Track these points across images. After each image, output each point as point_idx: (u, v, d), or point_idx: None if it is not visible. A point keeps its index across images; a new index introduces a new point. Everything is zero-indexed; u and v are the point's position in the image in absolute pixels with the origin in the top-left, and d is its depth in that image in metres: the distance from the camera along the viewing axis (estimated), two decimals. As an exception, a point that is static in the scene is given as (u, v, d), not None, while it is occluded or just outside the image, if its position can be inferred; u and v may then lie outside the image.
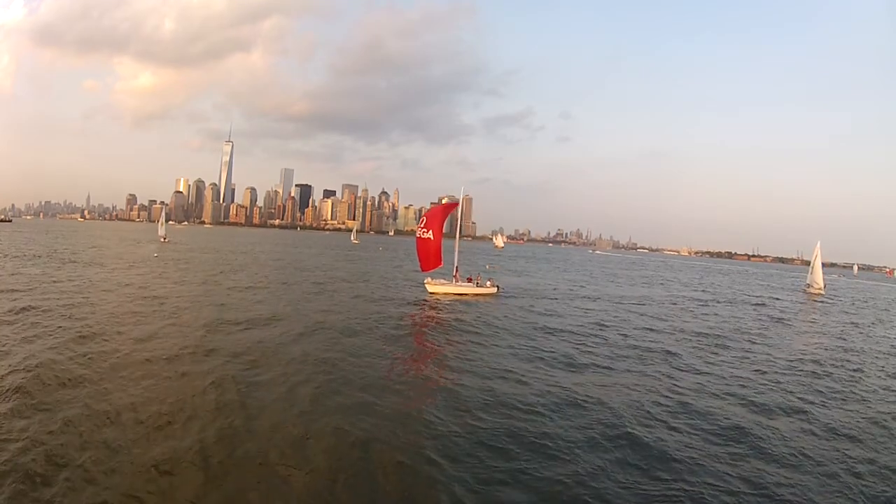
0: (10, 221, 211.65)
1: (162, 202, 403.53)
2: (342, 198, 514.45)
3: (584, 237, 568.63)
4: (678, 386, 15.63)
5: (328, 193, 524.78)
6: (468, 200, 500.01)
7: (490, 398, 13.27)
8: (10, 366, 13.62)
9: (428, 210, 37.30)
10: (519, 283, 47.59)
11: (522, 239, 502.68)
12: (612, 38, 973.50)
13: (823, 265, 61.84)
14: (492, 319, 25.43)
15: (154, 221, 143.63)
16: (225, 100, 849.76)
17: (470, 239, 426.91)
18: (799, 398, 15.27)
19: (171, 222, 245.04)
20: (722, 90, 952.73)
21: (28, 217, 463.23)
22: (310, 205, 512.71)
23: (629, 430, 11.64)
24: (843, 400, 15.54)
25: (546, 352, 19.16)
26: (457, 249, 36.21)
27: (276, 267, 52.28)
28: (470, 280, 35.79)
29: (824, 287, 61.96)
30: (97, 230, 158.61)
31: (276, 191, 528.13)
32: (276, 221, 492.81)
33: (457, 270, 35.63)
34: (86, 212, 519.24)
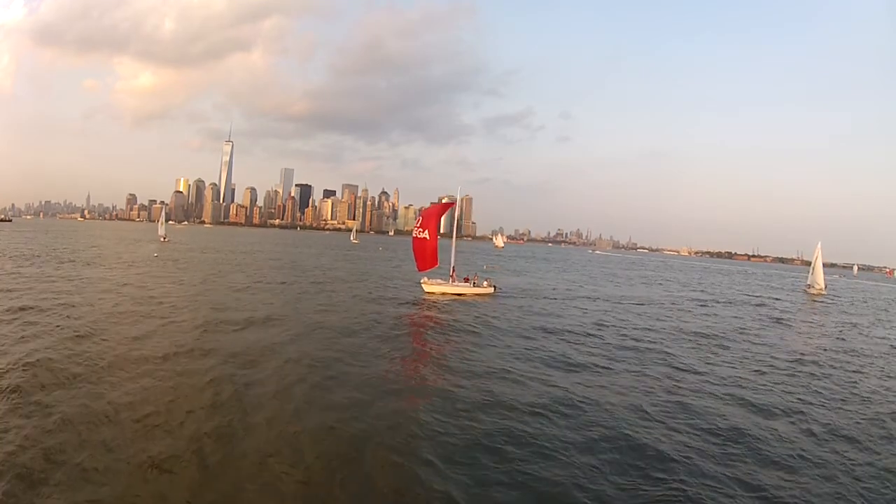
0: (10, 221, 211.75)
1: (162, 202, 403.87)
2: (342, 198, 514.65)
3: (584, 237, 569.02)
4: (677, 386, 15.60)
5: (328, 193, 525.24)
6: (468, 200, 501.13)
7: (486, 398, 13.24)
8: (7, 365, 13.60)
9: (424, 210, 37.25)
10: (518, 283, 47.57)
11: (522, 239, 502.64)
12: (612, 38, 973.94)
13: (823, 265, 61.77)
14: (489, 319, 25.40)
15: (154, 221, 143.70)
16: (225, 100, 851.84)
17: (470, 239, 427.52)
18: (798, 399, 15.24)
19: (171, 222, 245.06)
20: (722, 90, 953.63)
21: (28, 217, 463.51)
22: (310, 205, 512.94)
23: (627, 431, 11.61)
24: (842, 400, 15.50)
25: (543, 352, 19.13)
26: (454, 249, 36.13)
27: (276, 267, 52.27)
28: (467, 280, 35.76)
29: (825, 287, 61.92)
30: (97, 230, 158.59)
31: (276, 191, 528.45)
32: (276, 221, 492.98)
33: (453, 270, 35.59)
34: (86, 211, 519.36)
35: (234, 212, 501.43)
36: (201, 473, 8.78)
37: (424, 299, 31.79)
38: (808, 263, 65.83)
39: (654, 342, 22.56)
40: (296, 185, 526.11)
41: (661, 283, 63.58)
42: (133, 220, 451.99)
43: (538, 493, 8.79)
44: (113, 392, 12.13)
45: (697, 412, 13.26)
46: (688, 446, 11.01)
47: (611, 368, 17.41)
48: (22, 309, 21.15)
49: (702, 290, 56.76)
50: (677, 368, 18.02)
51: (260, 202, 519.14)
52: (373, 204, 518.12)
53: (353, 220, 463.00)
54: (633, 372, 17.13)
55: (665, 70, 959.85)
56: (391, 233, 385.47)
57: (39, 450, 9.14)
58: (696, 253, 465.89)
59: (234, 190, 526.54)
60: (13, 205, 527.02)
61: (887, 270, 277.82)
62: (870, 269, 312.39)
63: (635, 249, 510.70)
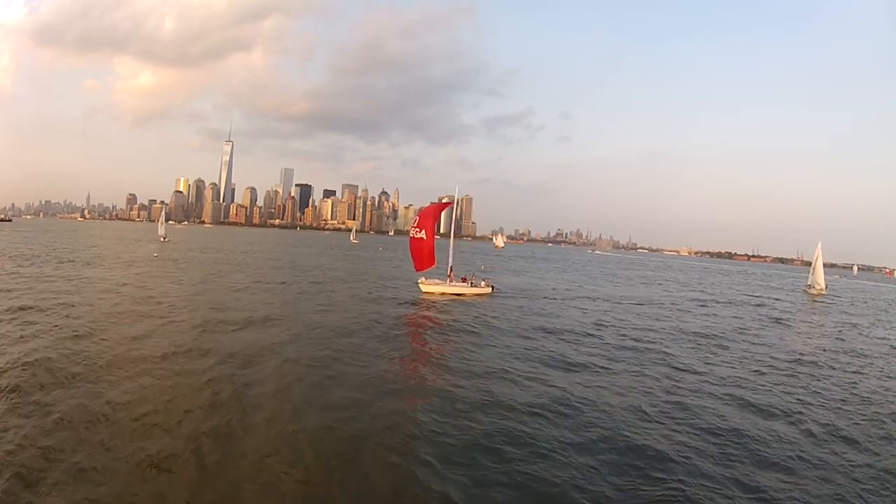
0: (10, 221, 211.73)
1: (162, 202, 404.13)
2: (342, 198, 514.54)
3: (584, 237, 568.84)
4: (676, 387, 15.58)
5: (328, 193, 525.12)
6: (468, 200, 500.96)
7: (484, 398, 13.23)
8: (6, 364, 13.60)
9: (421, 209, 37.21)
10: (517, 283, 47.56)
11: (522, 239, 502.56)
12: (612, 38, 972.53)
13: (823, 266, 61.74)
14: (488, 319, 25.39)
15: (154, 221, 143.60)
16: (225, 99, 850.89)
17: (470, 239, 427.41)
18: (798, 399, 15.22)
19: (171, 222, 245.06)
20: (722, 90, 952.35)
21: (28, 216, 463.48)
22: (310, 204, 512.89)
23: (626, 431, 11.59)
24: (842, 401, 15.48)
25: (542, 352, 19.12)
26: (451, 249, 36.06)
27: (275, 267, 52.27)
28: (464, 280, 35.75)
29: (826, 288, 61.86)
30: (97, 230, 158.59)
31: (276, 190, 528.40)
32: (276, 221, 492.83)
33: (451, 270, 35.57)
34: (86, 211, 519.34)
35: (234, 212, 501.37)
36: (200, 473, 8.77)
37: (423, 300, 31.78)
38: (808, 264, 65.78)
39: (654, 342, 22.55)
40: (296, 185, 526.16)
41: (660, 284, 63.56)
42: (133, 220, 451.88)
43: (537, 493, 8.77)
44: (111, 391, 12.13)
45: (697, 412, 13.25)
46: (687, 447, 11.00)
47: (610, 368, 17.40)
48: (21, 308, 21.15)
49: (701, 291, 56.74)
50: (677, 368, 18.00)
51: (260, 202, 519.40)
52: (373, 204, 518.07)
53: (353, 220, 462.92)
54: (633, 372, 17.11)
55: (665, 70, 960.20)
56: (391, 233, 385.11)
57: (38, 449, 9.14)
58: (696, 253, 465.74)
59: (234, 190, 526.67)
60: (13, 204, 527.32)
61: (887, 271, 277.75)
62: (870, 269, 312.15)
63: (635, 249, 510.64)
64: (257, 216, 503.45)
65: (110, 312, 21.70)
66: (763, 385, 16.57)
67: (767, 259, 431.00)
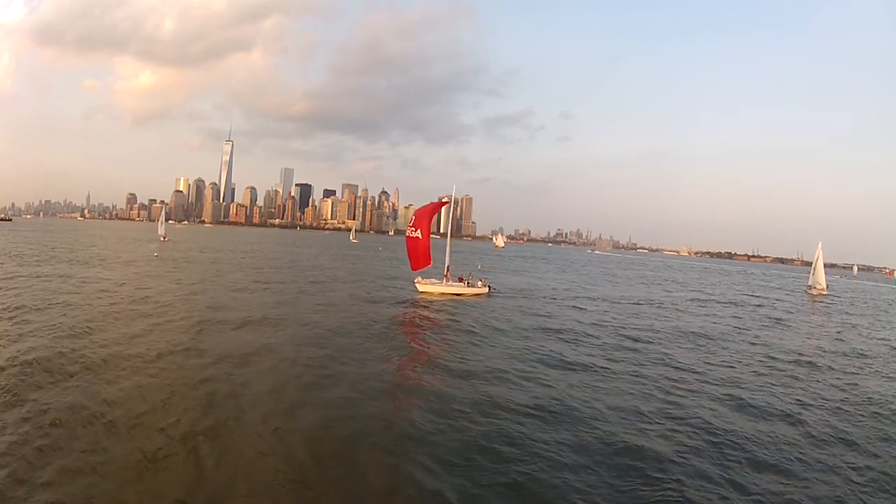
0: (10, 220, 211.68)
1: (162, 201, 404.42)
2: (342, 197, 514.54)
3: (583, 237, 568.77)
4: (675, 387, 15.53)
5: (328, 193, 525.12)
6: (468, 200, 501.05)
7: (481, 398, 13.18)
8: (3, 362, 13.59)
9: (418, 209, 37.07)
10: (515, 283, 47.52)
11: (522, 239, 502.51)
12: (612, 38, 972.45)
13: (823, 266, 61.66)
14: (486, 319, 25.35)
15: (154, 221, 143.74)
16: (225, 99, 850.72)
17: (470, 239, 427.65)
18: (797, 400, 15.17)
19: (171, 221, 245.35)
20: (722, 90, 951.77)
21: (28, 216, 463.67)
22: (310, 204, 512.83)
23: (624, 432, 11.55)
24: (841, 401, 15.43)
25: (540, 352, 19.07)
26: (448, 248, 35.94)
27: (275, 266, 52.23)
28: (461, 280, 35.69)
29: (827, 288, 61.78)
30: (97, 229, 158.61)
31: (276, 190, 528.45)
32: (276, 221, 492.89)
33: (448, 270, 35.52)
34: (86, 211, 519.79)
35: (234, 211, 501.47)
36: (195, 471, 8.76)
37: (421, 299, 31.74)
38: (809, 264, 65.68)
39: (653, 342, 22.50)
40: (296, 185, 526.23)
41: (660, 284, 63.50)
42: (133, 220, 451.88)
43: (534, 494, 8.73)
44: (107, 390, 12.11)
45: (695, 413, 13.20)
46: (685, 447, 10.95)
47: (609, 369, 17.35)
48: (19, 308, 21.13)
49: (701, 291, 56.68)
50: (676, 369, 17.96)
51: (260, 202, 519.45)
52: (373, 204, 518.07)
53: (353, 219, 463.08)
54: (632, 372, 17.06)
55: (665, 70, 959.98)
56: (391, 232, 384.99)
57: (33, 447, 9.14)
58: (696, 253, 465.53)
59: (234, 189, 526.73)
60: (13, 204, 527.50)
61: (887, 271, 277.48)
62: (870, 269, 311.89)
63: (635, 249, 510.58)
64: (257, 216, 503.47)
65: (108, 312, 21.67)
66: (762, 386, 16.52)
67: (767, 259, 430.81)
